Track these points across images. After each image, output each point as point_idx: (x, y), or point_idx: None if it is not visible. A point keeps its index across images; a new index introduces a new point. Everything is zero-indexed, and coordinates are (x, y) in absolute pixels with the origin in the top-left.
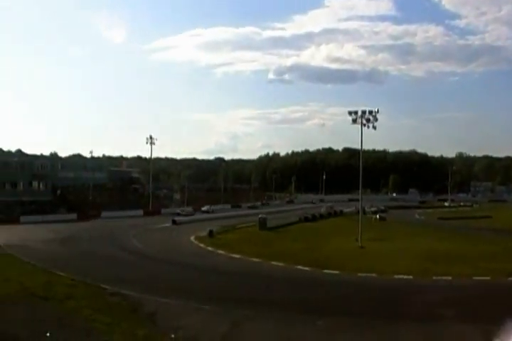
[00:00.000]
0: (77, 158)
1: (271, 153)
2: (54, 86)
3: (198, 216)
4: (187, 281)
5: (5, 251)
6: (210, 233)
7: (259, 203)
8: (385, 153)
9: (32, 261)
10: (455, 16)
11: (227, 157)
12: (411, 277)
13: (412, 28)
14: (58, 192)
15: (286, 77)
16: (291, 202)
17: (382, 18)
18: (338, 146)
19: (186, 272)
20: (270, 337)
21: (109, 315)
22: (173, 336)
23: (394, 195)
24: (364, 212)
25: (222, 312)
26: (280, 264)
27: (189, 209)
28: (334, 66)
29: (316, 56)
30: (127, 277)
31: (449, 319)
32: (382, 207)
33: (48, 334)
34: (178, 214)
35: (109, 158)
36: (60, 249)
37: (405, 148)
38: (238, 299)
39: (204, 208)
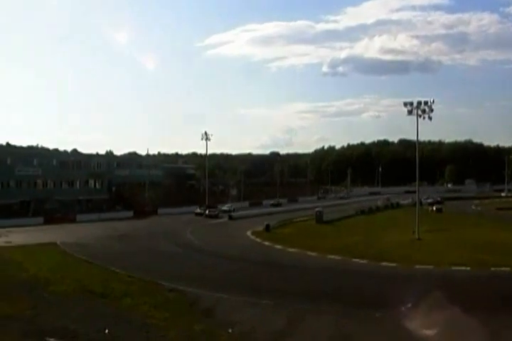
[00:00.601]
0: (132, 156)
1: (326, 147)
2: (107, 85)
3: (255, 210)
4: (244, 276)
5: (62, 250)
6: (267, 227)
7: (282, 199)
8: (440, 143)
9: (89, 259)
10: (510, 3)
11: (283, 151)
12: (469, 268)
13: (465, 16)
14: (113, 188)
15: (340, 69)
16: (346, 197)
17: (435, 8)
18: (394, 138)
19: (243, 267)
20: (328, 331)
21: (166, 310)
22: (230, 331)
23: (449, 185)
24: (421, 204)
25: (279, 307)
26: (337, 257)
27: (214, 208)
28: (388, 57)
29: (370, 48)
30: (185, 273)
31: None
32: (439, 199)
33: (106, 331)
34: (200, 215)
35: (165, 155)
36: (116, 246)
37: (461, 138)
38: (295, 293)
39: (225, 207)
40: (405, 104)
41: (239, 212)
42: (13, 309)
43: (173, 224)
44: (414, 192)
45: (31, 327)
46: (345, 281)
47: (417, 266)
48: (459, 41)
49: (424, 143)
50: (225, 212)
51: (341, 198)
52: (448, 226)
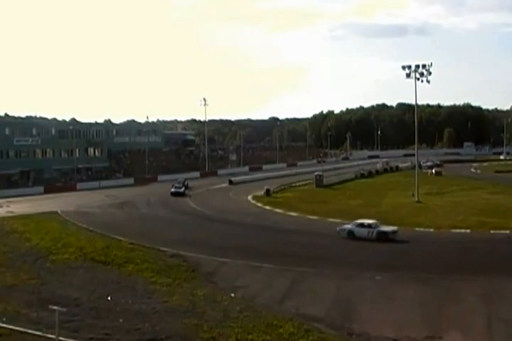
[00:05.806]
0: (131, 123)
1: (325, 111)
2: (105, 52)
3: (257, 175)
4: (245, 241)
5: (63, 218)
6: (267, 192)
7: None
8: (439, 107)
9: (90, 227)
10: None
11: (282, 116)
12: (468, 231)
13: None
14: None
15: (339, 33)
16: (346, 158)
17: None
18: (392, 102)
19: (244, 232)
20: (330, 294)
21: (169, 276)
22: (232, 295)
23: (448, 149)
24: (420, 167)
25: (281, 270)
26: (337, 221)
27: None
28: (386, 21)
29: (368, 11)
30: (186, 239)
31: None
32: (438, 162)
33: (109, 298)
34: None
35: (164, 122)
36: (117, 213)
37: (459, 101)
38: (296, 257)
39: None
40: (403, 68)
41: (239, 177)
42: (17, 279)
43: None
44: (413, 155)
45: (34, 296)
46: (348, 245)
47: (417, 229)
48: (457, 4)
49: (422, 106)
50: None
51: (344, 159)
52: (447, 189)
